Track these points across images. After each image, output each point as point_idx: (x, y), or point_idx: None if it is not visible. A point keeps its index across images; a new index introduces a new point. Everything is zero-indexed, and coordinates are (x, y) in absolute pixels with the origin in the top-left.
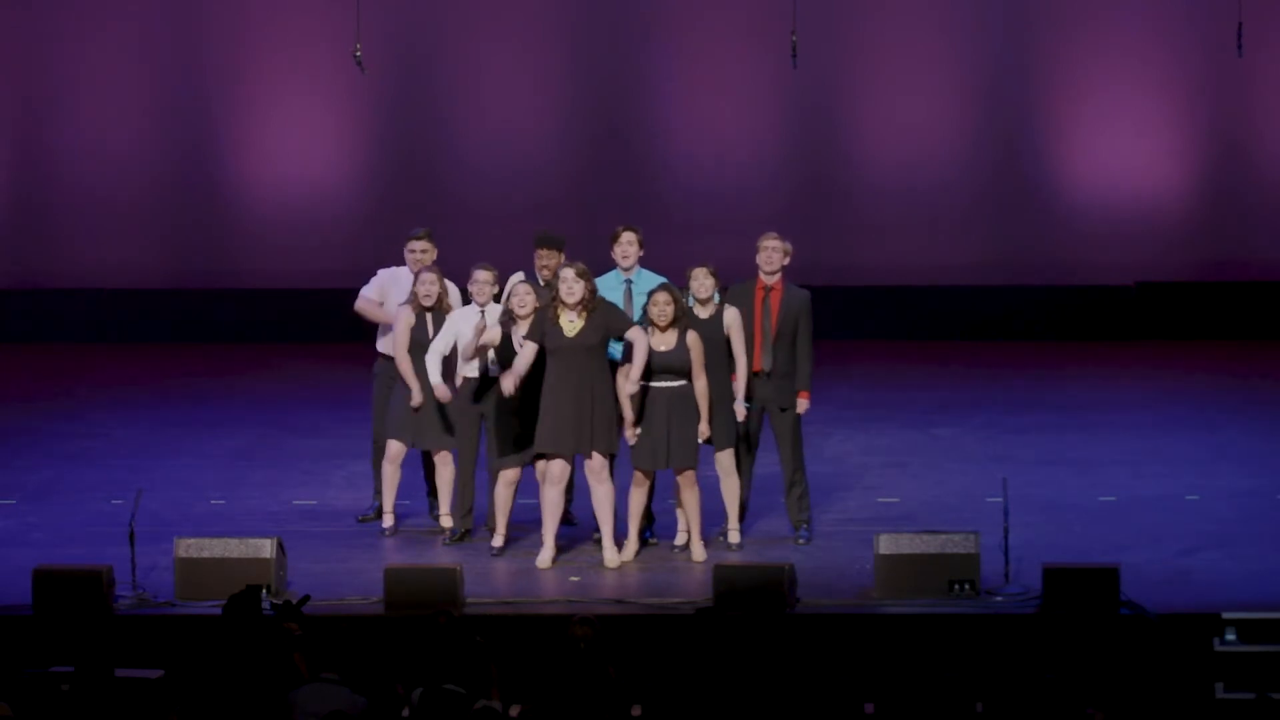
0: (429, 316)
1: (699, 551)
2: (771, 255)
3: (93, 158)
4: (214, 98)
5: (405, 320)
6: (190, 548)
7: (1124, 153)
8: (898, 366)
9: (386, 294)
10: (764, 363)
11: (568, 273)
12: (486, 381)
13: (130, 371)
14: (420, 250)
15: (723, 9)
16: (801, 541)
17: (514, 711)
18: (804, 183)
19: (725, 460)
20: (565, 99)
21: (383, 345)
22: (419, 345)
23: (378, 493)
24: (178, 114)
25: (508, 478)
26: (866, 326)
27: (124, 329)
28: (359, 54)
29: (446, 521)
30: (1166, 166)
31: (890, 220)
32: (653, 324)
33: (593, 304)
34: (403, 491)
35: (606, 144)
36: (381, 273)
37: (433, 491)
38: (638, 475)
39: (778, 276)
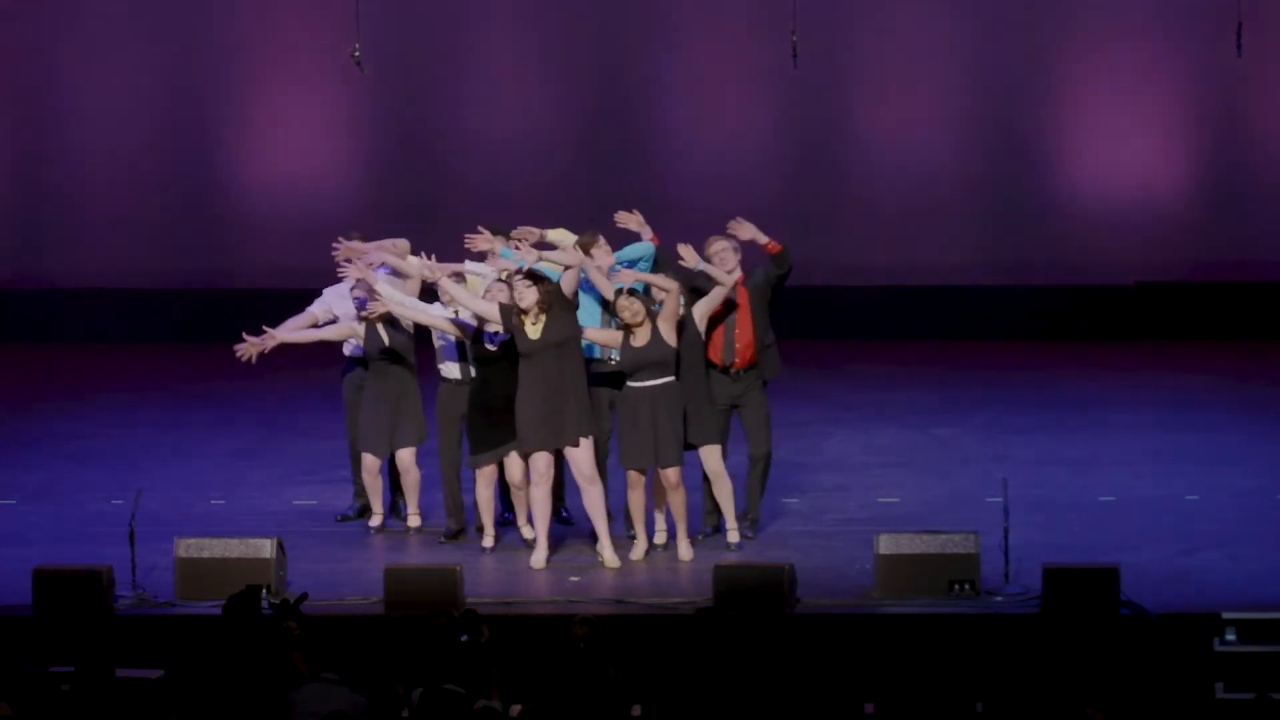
0: (378, 325)
1: (685, 550)
2: (725, 256)
3: (93, 158)
4: (214, 98)
5: (360, 334)
6: (190, 548)
7: (1124, 153)
8: (898, 366)
9: (335, 310)
10: (726, 356)
11: (517, 279)
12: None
13: (130, 371)
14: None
15: (723, 9)
16: (750, 535)
17: (514, 711)
18: (804, 183)
19: (713, 461)
20: (565, 99)
21: (349, 349)
22: (376, 356)
23: (358, 494)
24: (178, 114)
25: (485, 476)
26: (866, 326)
27: (124, 329)
28: (358, 54)
29: (414, 521)
30: (1166, 166)
31: (890, 220)
32: (626, 326)
33: (548, 303)
34: (390, 491)
35: (607, 144)
36: (326, 292)
37: (396, 489)
38: (631, 476)
39: (737, 274)
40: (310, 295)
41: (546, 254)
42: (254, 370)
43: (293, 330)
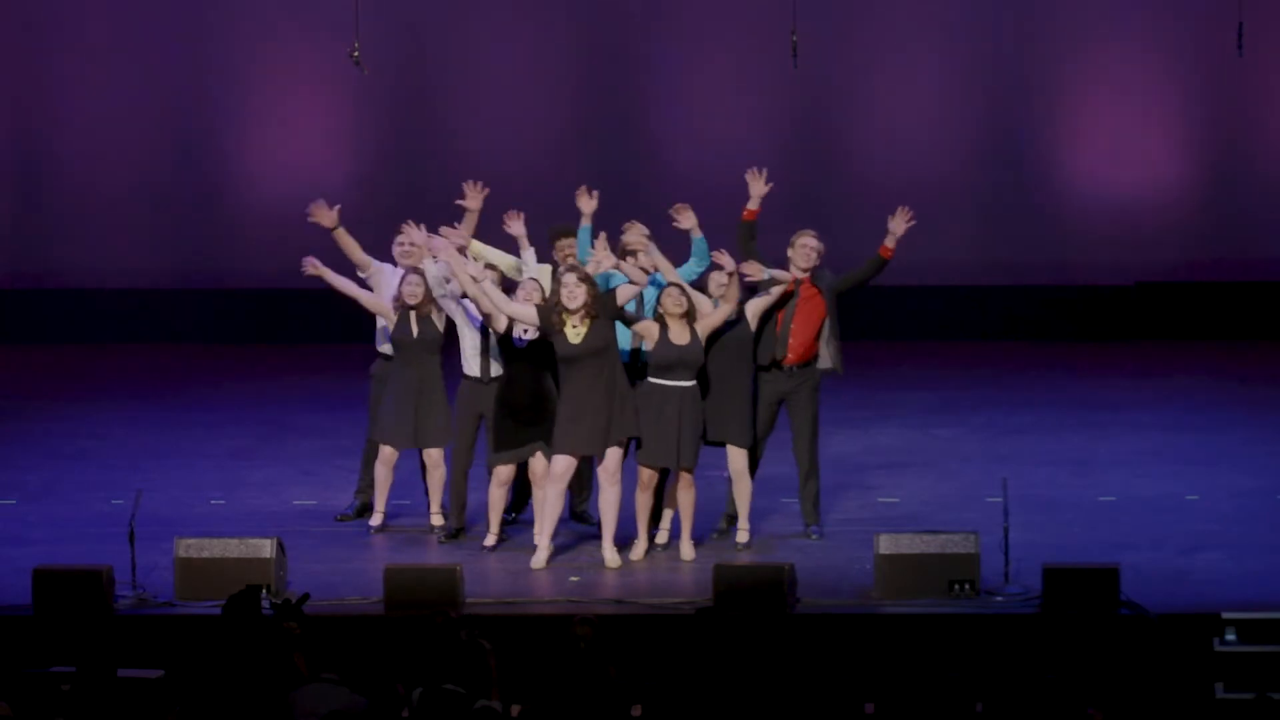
0: (412, 316)
1: (688, 550)
2: (809, 254)
3: (93, 158)
4: (214, 97)
5: (389, 318)
6: (190, 548)
7: (1124, 152)
8: (898, 366)
9: (377, 285)
10: (779, 352)
11: (569, 277)
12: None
13: (130, 371)
14: (409, 244)
15: (723, 9)
16: (815, 537)
17: (514, 711)
18: (804, 183)
19: (738, 460)
20: (565, 99)
21: (382, 346)
22: (402, 345)
23: (359, 492)
24: (178, 114)
25: (500, 476)
26: (867, 326)
27: (124, 329)
28: (357, 54)
29: (436, 520)
30: (1166, 166)
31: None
32: (667, 316)
33: (595, 309)
34: (394, 492)
35: (607, 144)
36: (386, 265)
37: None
38: (643, 477)
39: (809, 275)
40: (311, 294)
41: (623, 265)
42: (253, 370)
43: (352, 247)
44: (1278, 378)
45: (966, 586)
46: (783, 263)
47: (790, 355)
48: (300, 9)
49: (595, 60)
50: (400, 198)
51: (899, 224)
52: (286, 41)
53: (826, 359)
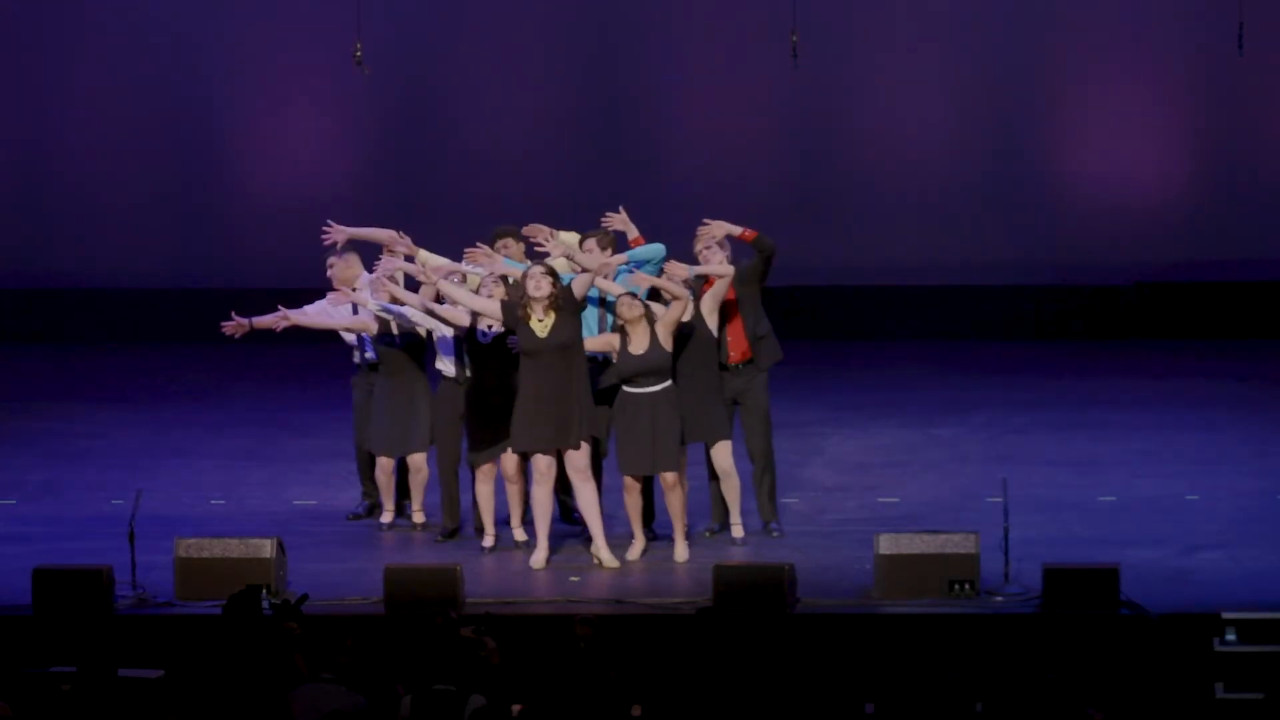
0: (393, 325)
1: (682, 551)
2: (708, 255)
3: (93, 158)
4: (215, 98)
5: (371, 330)
6: (190, 548)
7: (1124, 152)
8: (898, 366)
9: (330, 316)
10: (722, 354)
11: (535, 270)
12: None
13: (130, 371)
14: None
15: (723, 9)
16: (775, 534)
17: (514, 711)
18: (803, 183)
19: (723, 458)
20: (565, 100)
21: (356, 357)
22: (385, 355)
23: (366, 493)
24: (178, 114)
25: (484, 474)
26: (867, 326)
27: (124, 329)
28: (359, 55)
29: (419, 518)
30: (1166, 166)
31: (890, 220)
32: (625, 324)
33: (559, 302)
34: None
35: (607, 144)
36: (326, 301)
37: (403, 489)
38: (627, 482)
39: (730, 267)
40: (311, 295)
41: (573, 254)
42: (254, 370)
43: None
44: (1278, 378)
45: (966, 586)
46: (784, 264)
47: (732, 354)
48: (302, 9)
49: (595, 59)
50: (400, 197)
51: (717, 231)
52: (288, 42)
53: (768, 354)
